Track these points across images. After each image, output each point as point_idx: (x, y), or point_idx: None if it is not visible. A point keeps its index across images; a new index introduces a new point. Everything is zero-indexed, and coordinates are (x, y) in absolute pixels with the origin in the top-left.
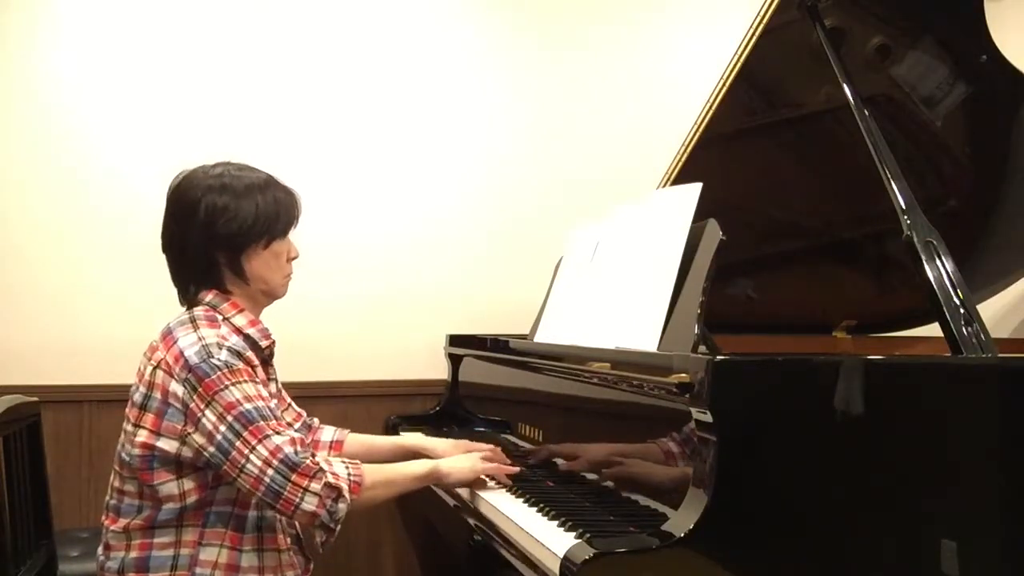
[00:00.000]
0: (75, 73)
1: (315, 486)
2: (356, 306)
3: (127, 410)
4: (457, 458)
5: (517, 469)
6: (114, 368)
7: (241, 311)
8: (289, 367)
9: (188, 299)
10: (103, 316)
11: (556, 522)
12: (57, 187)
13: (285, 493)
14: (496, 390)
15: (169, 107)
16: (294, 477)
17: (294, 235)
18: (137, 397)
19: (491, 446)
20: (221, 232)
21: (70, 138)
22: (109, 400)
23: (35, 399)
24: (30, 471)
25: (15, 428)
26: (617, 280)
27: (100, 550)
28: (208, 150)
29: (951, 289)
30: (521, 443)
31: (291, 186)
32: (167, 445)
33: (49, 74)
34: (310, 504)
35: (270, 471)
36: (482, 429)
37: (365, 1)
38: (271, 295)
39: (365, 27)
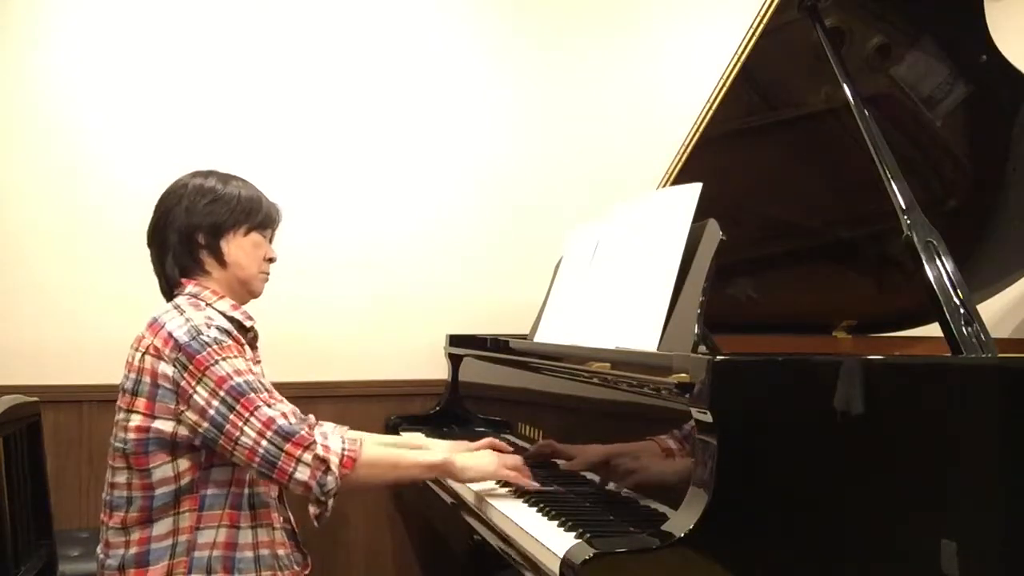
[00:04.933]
0: (75, 74)
1: (307, 456)
2: (356, 306)
3: (118, 401)
4: (477, 455)
5: (537, 485)
6: (114, 368)
7: (222, 298)
8: (289, 367)
9: (169, 288)
10: (103, 316)
11: (556, 522)
12: (57, 188)
13: (279, 463)
14: (496, 390)
15: (171, 109)
16: (288, 447)
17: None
18: (128, 384)
19: (513, 454)
20: (204, 211)
21: (70, 139)
22: (109, 400)
23: (35, 399)
24: (30, 471)
25: (15, 428)
26: (617, 280)
27: (100, 548)
28: (211, 151)
29: (951, 289)
30: (521, 443)
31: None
32: (163, 425)
33: (49, 75)
34: (303, 474)
35: (264, 442)
36: (482, 429)
37: (368, 5)
38: (248, 286)
39: (366, 29)
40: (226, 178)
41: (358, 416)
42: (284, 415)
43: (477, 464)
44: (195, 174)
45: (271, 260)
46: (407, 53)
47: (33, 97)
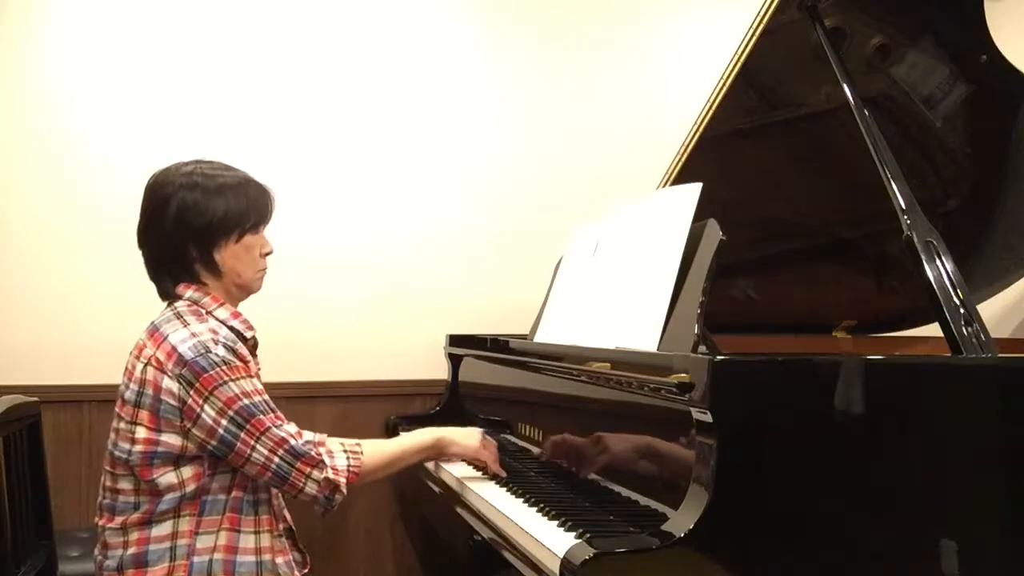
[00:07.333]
0: (74, 74)
1: (317, 475)
2: (356, 306)
3: (117, 408)
4: (465, 432)
5: (503, 473)
6: (114, 368)
7: (222, 304)
8: (289, 367)
9: (167, 294)
10: (103, 316)
11: (556, 522)
12: (57, 187)
13: (291, 478)
14: (496, 390)
15: (171, 108)
16: (299, 464)
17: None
18: (129, 395)
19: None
20: (192, 226)
21: (70, 139)
22: (109, 400)
23: (35, 399)
24: (30, 471)
25: (15, 428)
26: (617, 280)
27: (97, 549)
28: (211, 151)
29: (951, 289)
30: (521, 443)
31: (266, 183)
32: (171, 439)
33: (48, 75)
34: (312, 489)
35: (276, 459)
36: (482, 429)
37: (369, 4)
38: (245, 288)
39: (366, 27)
40: (213, 176)
41: (358, 416)
42: (292, 436)
43: (464, 440)
44: (180, 170)
45: (268, 254)
46: (407, 52)
47: (32, 96)
